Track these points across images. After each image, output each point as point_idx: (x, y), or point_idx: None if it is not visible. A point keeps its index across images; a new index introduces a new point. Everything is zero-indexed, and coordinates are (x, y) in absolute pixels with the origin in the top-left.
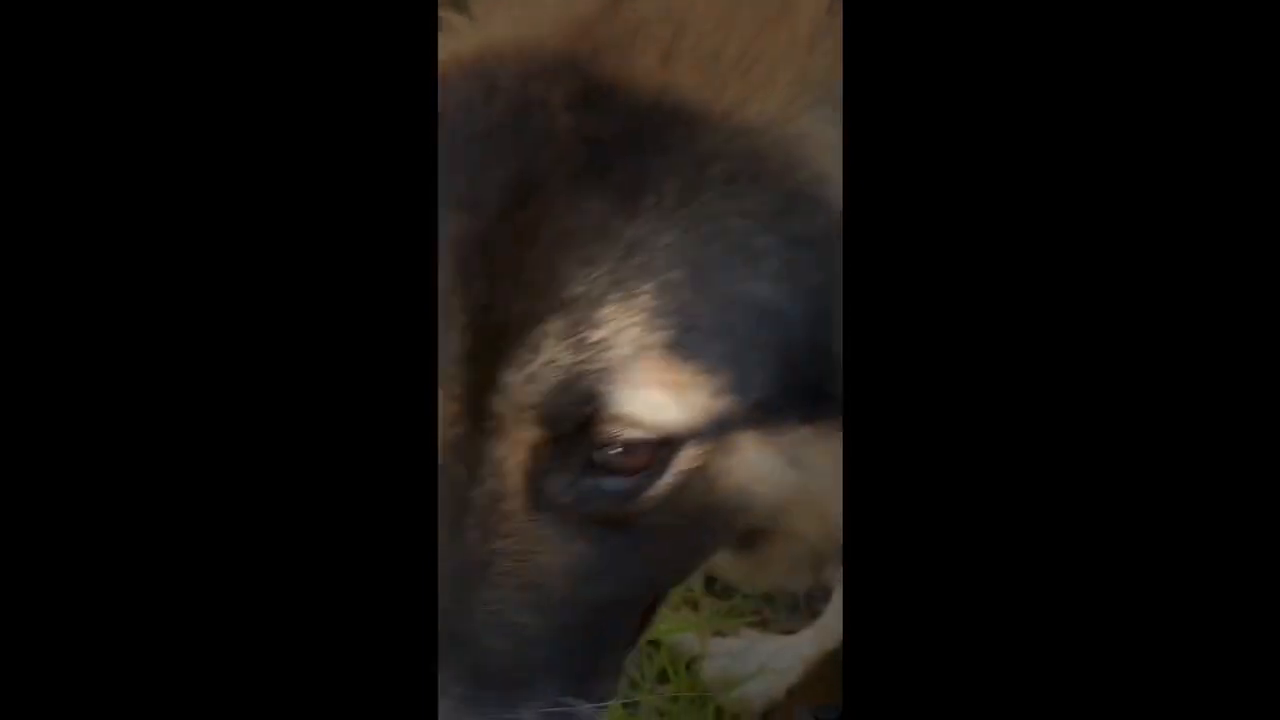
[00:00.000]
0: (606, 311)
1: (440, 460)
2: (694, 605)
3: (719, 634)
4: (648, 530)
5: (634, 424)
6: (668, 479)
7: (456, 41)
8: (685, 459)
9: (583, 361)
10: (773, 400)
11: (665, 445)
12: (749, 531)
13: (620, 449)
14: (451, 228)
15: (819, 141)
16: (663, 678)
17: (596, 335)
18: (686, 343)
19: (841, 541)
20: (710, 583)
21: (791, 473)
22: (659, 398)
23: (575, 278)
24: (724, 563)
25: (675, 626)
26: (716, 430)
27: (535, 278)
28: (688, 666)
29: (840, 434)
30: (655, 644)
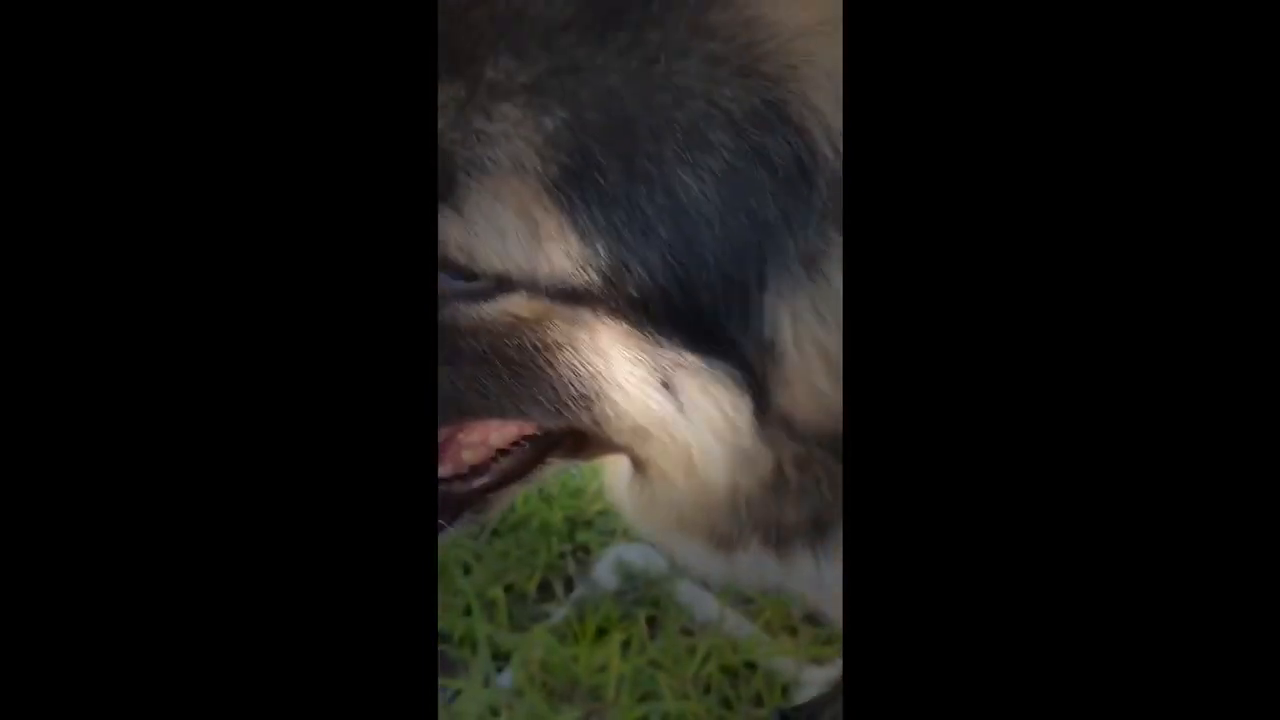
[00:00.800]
0: (505, 109)
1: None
2: (792, 631)
3: (815, 662)
4: (469, 352)
5: (464, 247)
6: (490, 309)
7: None
8: (513, 303)
9: (454, 141)
10: (652, 305)
11: (499, 279)
12: (632, 454)
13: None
14: None
15: (826, 75)
16: (758, 701)
17: (481, 125)
18: (571, 188)
19: (717, 509)
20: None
21: (656, 395)
22: (507, 221)
23: (498, 61)
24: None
25: (772, 651)
26: (562, 295)
27: (464, 46)
28: (783, 691)
29: (730, 384)
30: (752, 666)
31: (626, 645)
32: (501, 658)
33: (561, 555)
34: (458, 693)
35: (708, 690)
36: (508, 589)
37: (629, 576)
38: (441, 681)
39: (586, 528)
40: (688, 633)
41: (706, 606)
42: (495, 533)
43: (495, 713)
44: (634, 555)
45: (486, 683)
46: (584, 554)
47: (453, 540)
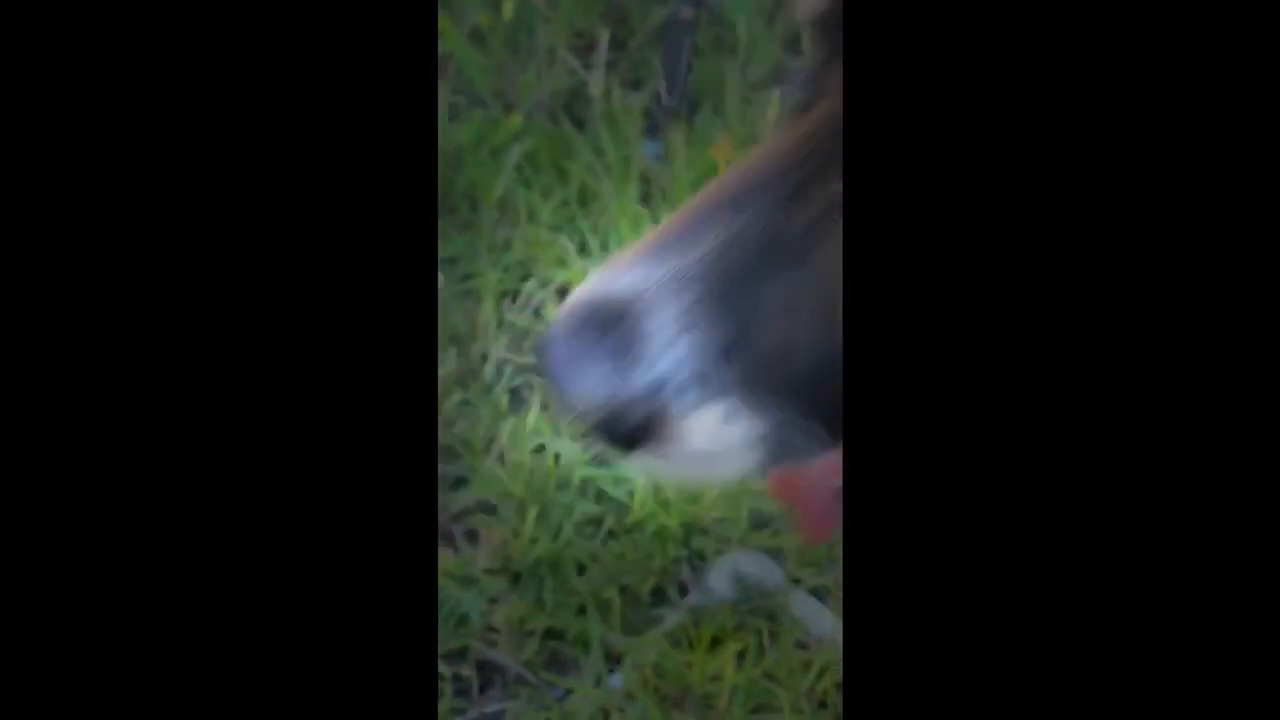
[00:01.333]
0: None
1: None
2: None
3: None
4: None
5: None
6: None
7: None
8: None
9: None
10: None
11: None
12: None
13: None
14: None
15: None
16: None
17: None
18: None
19: None
20: None
21: None
22: None
23: None
24: None
25: None
26: None
27: None
28: None
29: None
30: None
31: (742, 655)
32: (614, 659)
33: (676, 560)
34: (569, 691)
35: (823, 705)
36: (622, 591)
37: (745, 586)
38: (552, 679)
39: (703, 535)
40: (802, 646)
41: (822, 621)
42: (611, 534)
43: (606, 714)
44: (750, 565)
45: (598, 683)
46: (699, 560)
47: (567, 541)
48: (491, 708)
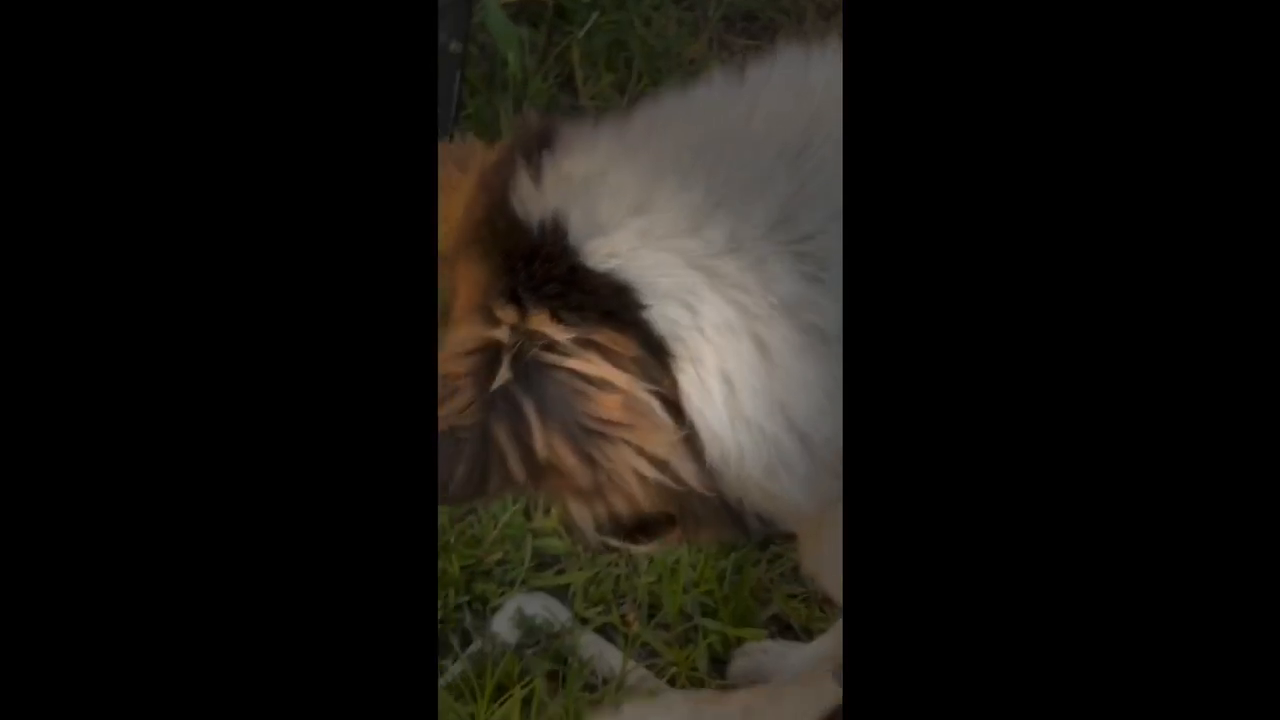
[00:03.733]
0: None
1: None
2: (699, 685)
3: None
4: None
5: None
6: None
7: None
8: None
9: None
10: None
11: None
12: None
13: None
14: None
15: None
16: None
17: None
18: None
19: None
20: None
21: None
22: None
23: None
24: None
25: None
26: None
27: None
28: None
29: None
30: None
31: (527, 704)
32: None
33: (458, 608)
34: None
35: None
36: None
37: (530, 629)
38: None
39: (485, 578)
40: (590, 688)
41: (611, 660)
42: None
43: None
44: (534, 607)
45: None
46: (481, 605)
47: None
48: None
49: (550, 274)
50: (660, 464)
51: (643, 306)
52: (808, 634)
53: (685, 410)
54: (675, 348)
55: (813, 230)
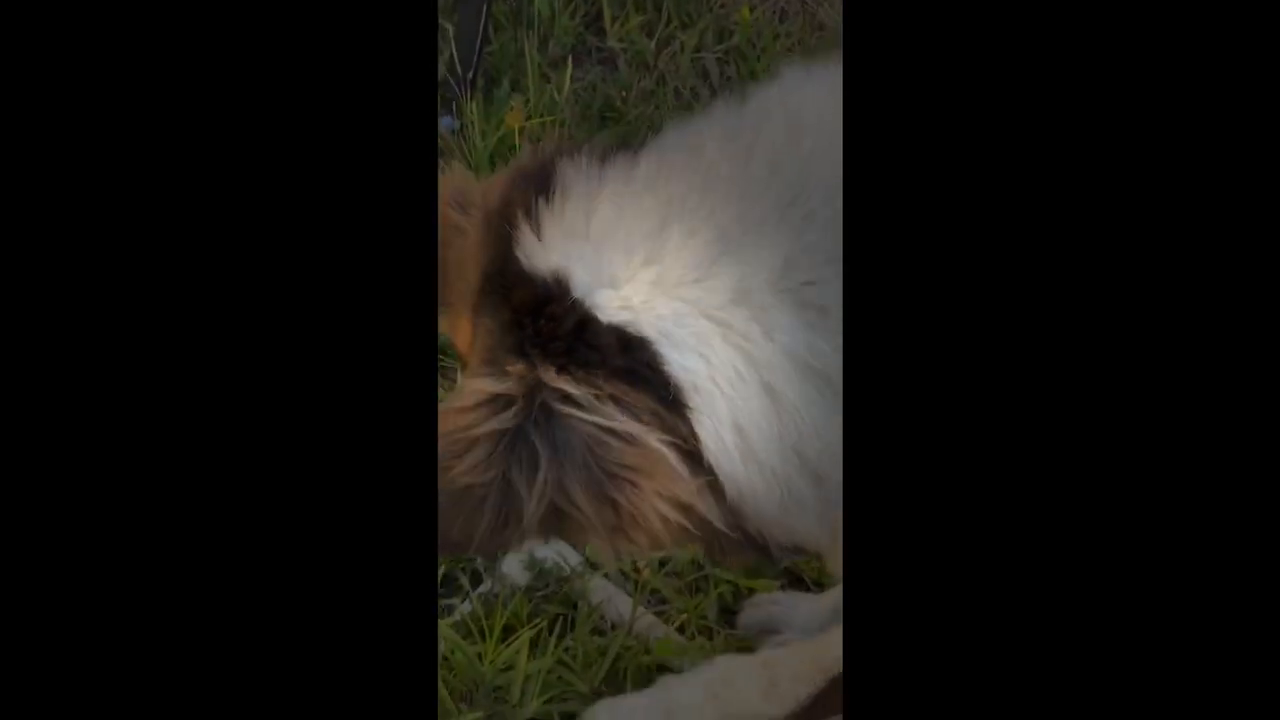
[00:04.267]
0: None
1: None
2: (709, 634)
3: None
4: None
5: None
6: None
7: None
8: None
9: None
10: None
11: None
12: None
13: None
14: None
15: None
16: None
17: None
18: None
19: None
20: (725, 611)
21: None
22: None
23: None
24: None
25: (686, 653)
26: None
27: None
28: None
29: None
30: (665, 670)
31: (535, 644)
32: None
33: None
34: None
35: (619, 692)
36: None
37: (540, 573)
38: None
39: None
40: (599, 633)
41: (620, 606)
42: None
43: None
44: (545, 550)
45: None
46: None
47: None
48: None
49: (556, 331)
50: (683, 507)
51: (660, 360)
52: (819, 586)
53: (704, 458)
54: (692, 399)
55: (814, 277)
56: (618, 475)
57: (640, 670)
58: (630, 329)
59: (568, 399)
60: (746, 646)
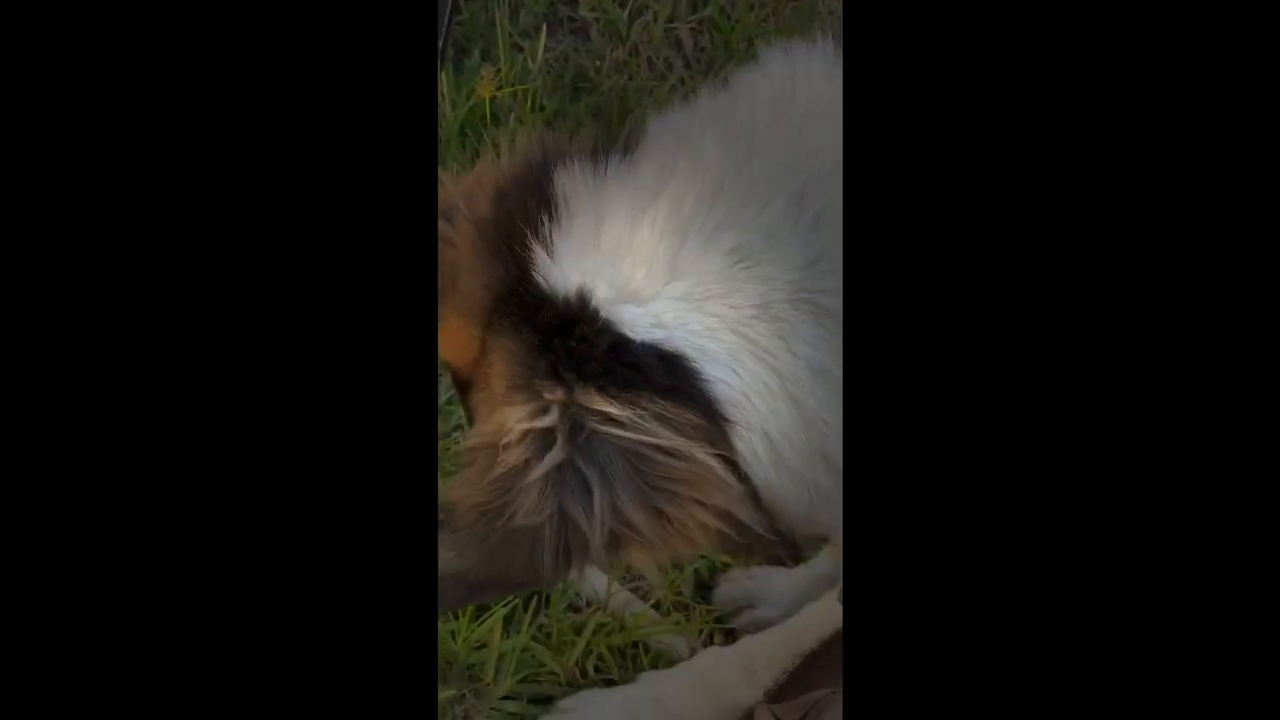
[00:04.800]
0: None
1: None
2: (684, 609)
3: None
4: None
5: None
6: None
7: None
8: None
9: None
10: None
11: None
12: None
13: None
14: None
15: None
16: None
17: None
18: None
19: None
20: (701, 587)
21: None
22: None
23: None
24: None
25: (661, 629)
26: None
27: None
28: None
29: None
30: (641, 647)
31: (509, 622)
32: None
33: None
34: None
35: (596, 671)
36: None
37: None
38: None
39: None
40: (574, 610)
41: (595, 583)
42: None
43: None
44: None
45: None
46: None
47: None
48: None
49: (590, 352)
50: (724, 516)
51: (701, 377)
52: (794, 561)
53: (740, 467)
54: (731, 413)
55: (829, 285)
56: (666, 490)
57: (614, 650)
58: (666, 346)
59: (610, 420)
60: (722, 622)
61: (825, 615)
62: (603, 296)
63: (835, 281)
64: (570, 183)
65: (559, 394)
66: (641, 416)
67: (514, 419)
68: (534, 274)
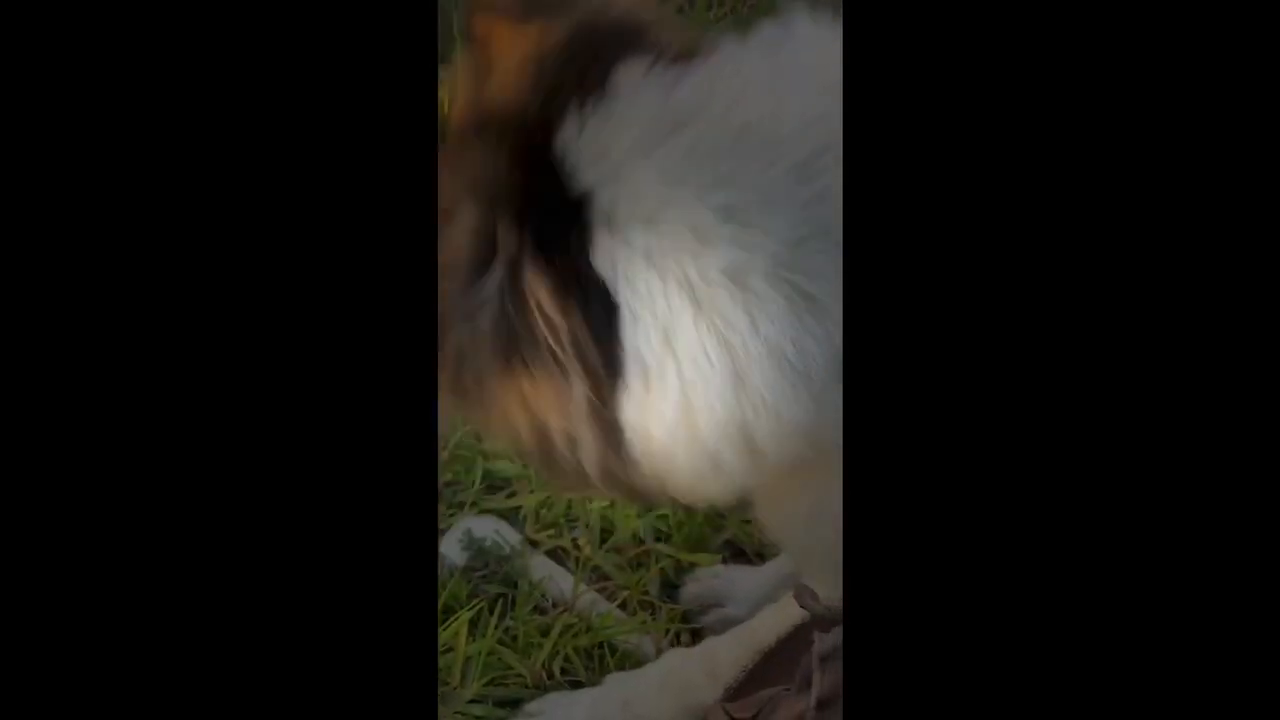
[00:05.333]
0: None
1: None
2: (651, 609)
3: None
4: None
5: None
6: None
7: None
8: None
9: None
10: None
11: None
12: None
13: None
14: None
15: None
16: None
17: None
18: None
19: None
20: (667, 586)
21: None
22: None
23: None
24: None
25: (628, 629)
26: None
27: None
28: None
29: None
30: (609, 647)
31: (474, 625)
32: None
33: None
34: None
35: (563, 673)
36: None
37: (479, 552)
38: None
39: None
40: (540, 611)
41: (561, 584)
42: None
43: None
44: (483, 529)
45: None
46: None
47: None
48: None
49: (564, 248)
50: (558, 425)
51: (619, 332)
52: (760, 558)
53: (619, 422)
54: (636, 374)
55: (814, 267)
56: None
57: (581, 651)
58: (609, 290)
59: (538, 276)
60: (688, 621)
61: (784, 615)
62: (598, 209)
63: (821, 264)
64: (626, 78)
65: (512, 245)
66: (563, 330)
67: (466, 226)
68: (554, 144)
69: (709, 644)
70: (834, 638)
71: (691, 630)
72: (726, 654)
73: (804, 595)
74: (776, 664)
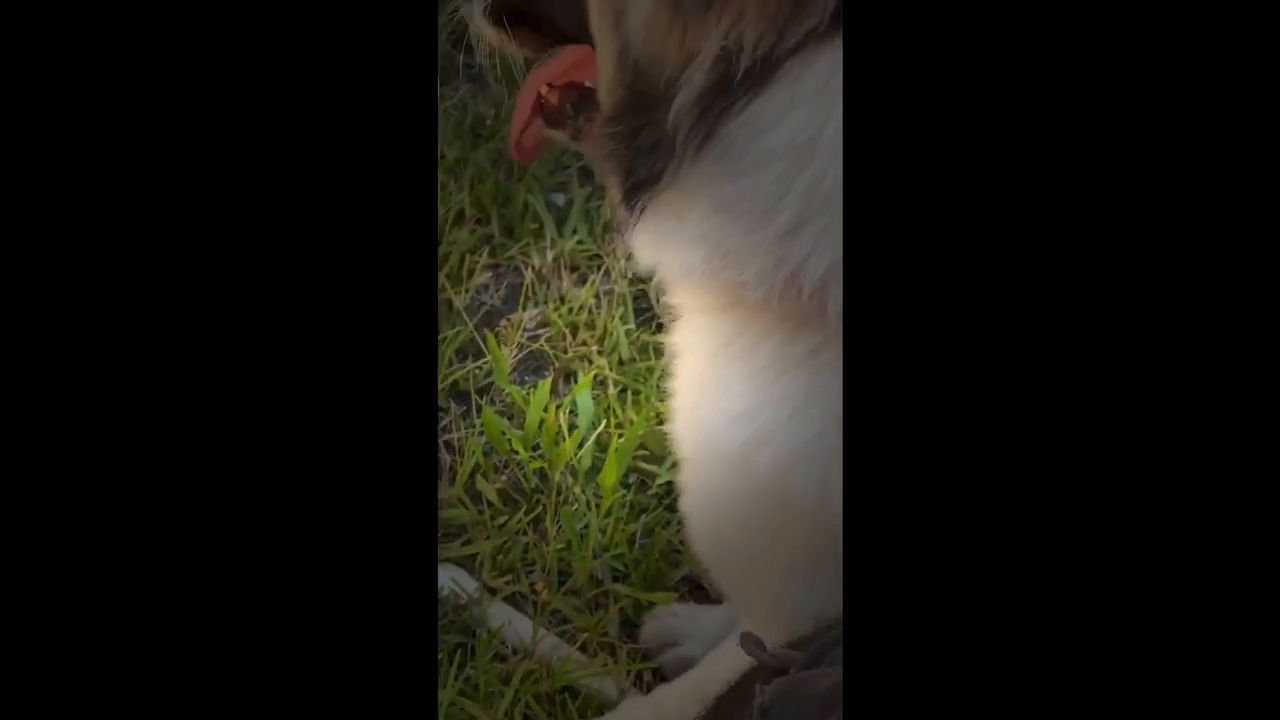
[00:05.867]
0: None
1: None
2: (611, 651)
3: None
4: None
5: None
6: None
7: None
8: None
9: None
10: None
11: None
12: None
13: None
14: None
15: None
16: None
17: None
18: None
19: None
20: (627, 626)
21: None
22: None
23: None
24: None
25: (590, 672)
26: None
27: None
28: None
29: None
30: (570, 692)
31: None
32: None
33: None
34: None
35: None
36: None
37: (438, 601)
38: None
39: None
40: (500, 659)
41: (521, 629)
42: None
43: None
44: (440, 578)
45: None
46: None
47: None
48: None
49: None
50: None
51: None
52: (719, 595)
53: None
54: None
55: (812, 286)
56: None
57: (542, 698)
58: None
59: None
60: (649, 660)
61: (732, 661)
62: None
63: (820, 282)
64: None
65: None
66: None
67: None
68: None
69: (659, 692)
70: (775, 689)
71: (654, 669)
72: (674, 703)
73: (749, 643)
74: (724, 713)
